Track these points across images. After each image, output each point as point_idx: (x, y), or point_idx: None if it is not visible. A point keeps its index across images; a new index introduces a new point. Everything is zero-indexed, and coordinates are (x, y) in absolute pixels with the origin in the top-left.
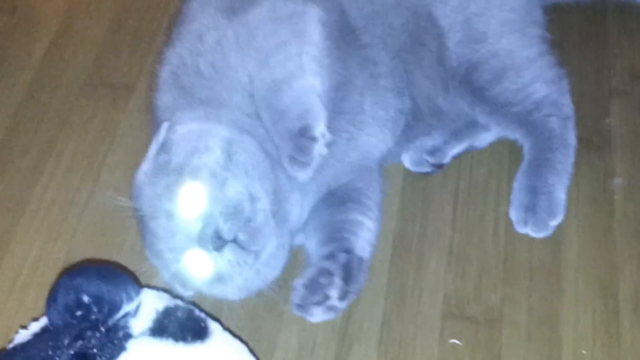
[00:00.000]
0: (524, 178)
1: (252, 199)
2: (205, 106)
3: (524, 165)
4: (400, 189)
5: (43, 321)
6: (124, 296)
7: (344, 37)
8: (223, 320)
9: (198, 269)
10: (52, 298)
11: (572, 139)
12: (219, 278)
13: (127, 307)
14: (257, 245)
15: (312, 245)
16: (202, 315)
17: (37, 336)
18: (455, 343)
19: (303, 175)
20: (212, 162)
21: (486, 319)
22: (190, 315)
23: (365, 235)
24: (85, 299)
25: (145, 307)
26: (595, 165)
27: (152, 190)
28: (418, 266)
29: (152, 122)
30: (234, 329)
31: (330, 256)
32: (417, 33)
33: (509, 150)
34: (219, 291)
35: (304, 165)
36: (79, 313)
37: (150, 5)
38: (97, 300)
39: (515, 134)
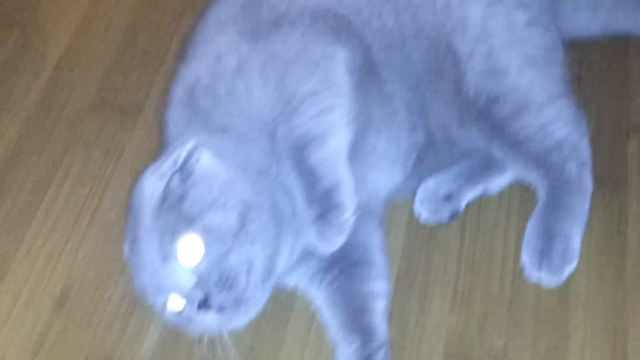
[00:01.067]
0: (539, 221)
1: (250, 270)
2: (222, 133)
3: (539, 208)
4: (405, 221)
5: None
6: None
7: (367, 75)
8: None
9: (175, 311)
10: None
11: (588, 182)
12: (189, 321)
13: None
14: (241, 311)
15: (333, 326)
16: None
17: None
18: None
19: (330, 248)
20: (226, 226)
21: None
22: None
23: (380, 307)
24: None
25: None
26: (609, 206)
27: (156, 220)
28: (422, 303)
29: (161, 138)
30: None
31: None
32: (435, 63)
33: (519, 188)
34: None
35: (332, 237)
36: None
37: (160, 25)
38: None
39: (531, 175)
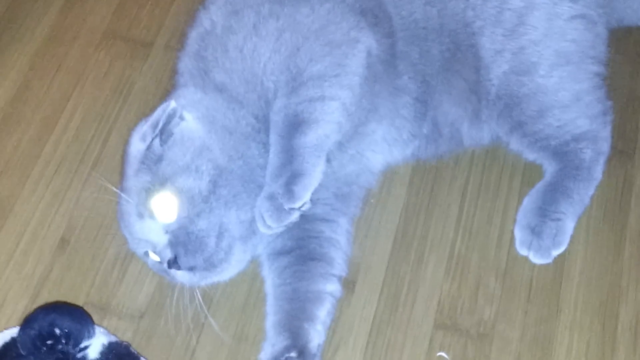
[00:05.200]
0: (537, 198)
1: (221, 233)
2: (218, 92)
3: (541, 185)
4: (407, 183)
5: (2, 337)
6: (85, 333)
7: (383, 66)
8: (210, 312)
9: (153, 264)
10: (27, 325)
11: (598, 173)
12: (166, 274)
13: (86, 342)
14: (211, 274)
15: (270, 319)
16: (136, 352)
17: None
18: (442, 356)
19: (265, 230)
20: (197, 190)
21: (478, 333)
22: (127, 350)
23: (323, 313)
24: (57, 331)
25: (96, 341)
26: (615, 174)
27: (135, 178)
28: (416, 268)
29: (173, 80)
30: (221, 323)
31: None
32: (453, 60)
33: None
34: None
35: (270, 219)
36: (49, 342)
37: None
38: (66, 334)
39: (543, 160)
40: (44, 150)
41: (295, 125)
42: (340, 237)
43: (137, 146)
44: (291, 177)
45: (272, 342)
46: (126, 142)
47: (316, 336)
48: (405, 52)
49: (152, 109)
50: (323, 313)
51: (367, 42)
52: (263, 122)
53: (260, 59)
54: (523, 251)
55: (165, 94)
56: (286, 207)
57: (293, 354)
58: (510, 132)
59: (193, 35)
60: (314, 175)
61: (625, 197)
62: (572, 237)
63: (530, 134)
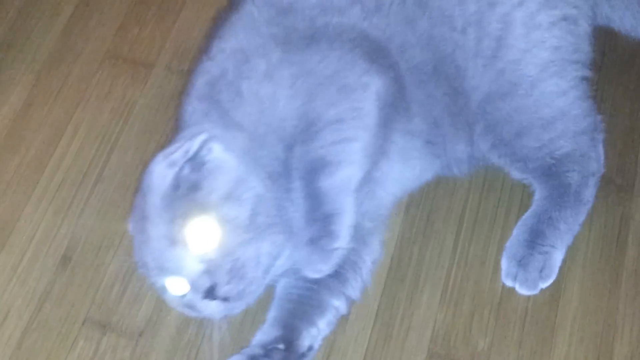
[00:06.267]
0: (525, 230)
1: (258, 263)
2: (237, 130)
3: (528, 214)
4: (403, 210)
5: None
6: None
7: (397, 110)
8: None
9: (175, 295)
10: None
11: (589, 196)
12: (191, 307)
13: None
14: (239, 305)
15: (270, 315)
16: None
17: None
18: None
19: (315, 274)
20: (241, 219)
21: None
22: None
23: (321, 324)
24: None
25: None
26: (613, 209)
27: (167, 206)
28: (411, 297)
29: (177, 121)
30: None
31: (268, 347)
32: (452, 100)
33: (522, 184)
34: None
35: (318, 263)
36: None
37: None
38: None
39: (529, 181)
40: (46, 169)
41: (320, 169)
42: (361, 263)
43: (164, 173)
44: (327, 218)
45: (265, 331)
46: (145, 170)
47: (308, 338)
48: (415, 95)
49: (153, 130)
50: (322, 322)
51: (377, 86)
52: (283, 166)
53: (277, 104)
54: (509, 282)
55: (166, 115)
56: (329, 247)
57: (280, 346)
58: (491, 150)
59: (201, 82)
60: (348, 213)
61: (622, 233)
62: (568, 272)
63: (509, 153)
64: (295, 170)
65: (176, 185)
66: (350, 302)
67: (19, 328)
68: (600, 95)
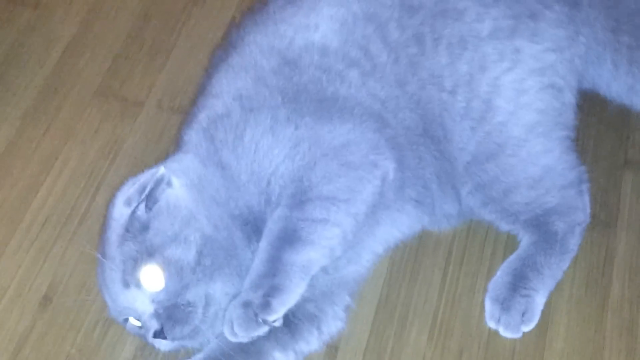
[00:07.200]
0: (509, 272)
1: (207, 304)
2: (218, 169)
3: (513, 257)
4: (390, 249)
5: None
6: None
7: (395, 193)
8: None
9: (132, 328)
10: None
11: (574, 245)
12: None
13: None
14: (193, 342)
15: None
16: None
17: None
18: None
19: (230, 337)
20: (184, 261)
21: None
22: None
23: None
24: None
25: None
26: (597, 244)
27: (121, 246)
28: (399, 333)
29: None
30: None
31: None
32: (441, 165)
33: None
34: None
35: (240, 327)
36: None
37: (170, 16)
38: None
39: (517, 232)
40: (30, 206)
41: (291, 240)
42: (322, 317)
43: (121, 210)
44: (271, 289)
45: None
46: (110, 202)
47: None
48: (407, 160)
49: (140, 169)
50: None
51: (385, 167)
52: (253, 217)
53: (274, 159)
54: (492, 325)
55: (154, 153)
56: (260, 318)
57: None
58: (479, 208)
59: (203, 116)
60: (294, 294)
61: (607, 268)
62: (555, 307)
63: (497, 210)
64: (268, 229)
65: (129, 225)
66: (325, 346)
67: None
68: (583, 127)
